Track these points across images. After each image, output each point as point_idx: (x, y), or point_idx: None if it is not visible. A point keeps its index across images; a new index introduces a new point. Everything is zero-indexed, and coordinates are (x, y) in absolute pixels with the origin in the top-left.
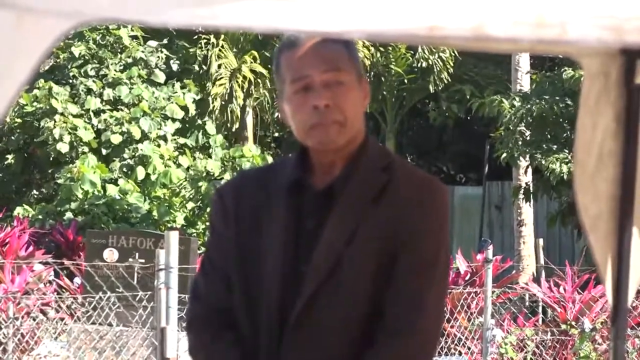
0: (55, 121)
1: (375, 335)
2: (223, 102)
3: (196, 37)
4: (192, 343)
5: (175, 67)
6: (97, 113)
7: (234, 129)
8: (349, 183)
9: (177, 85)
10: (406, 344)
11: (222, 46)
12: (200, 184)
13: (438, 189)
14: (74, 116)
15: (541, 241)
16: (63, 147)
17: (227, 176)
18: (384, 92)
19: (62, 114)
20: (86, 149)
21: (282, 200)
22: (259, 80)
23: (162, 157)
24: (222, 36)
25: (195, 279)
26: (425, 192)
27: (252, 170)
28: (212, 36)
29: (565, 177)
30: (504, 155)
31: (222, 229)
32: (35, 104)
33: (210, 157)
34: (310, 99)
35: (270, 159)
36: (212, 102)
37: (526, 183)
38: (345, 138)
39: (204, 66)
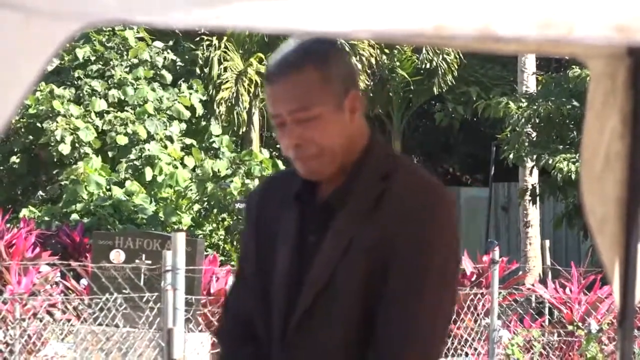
0: (57, 123)
1: (368, 350)
2: (229, 105)
3: (198, 39)
4: (220, 354)
5: (180, 68)
6: (101, 114)
7: (240, 132)
8: (348, 194)
9: (184, 86)
10: (399, 357)
11: (227, 48)
12: (206, 185)
13: (439, 197)
14: (76, 117)
15: (547, 242)
16: (65, 149)
17: (236, 178)
18: (390, 94)
19: (64, 115)
20: (89, 150)
21: (291, 211)
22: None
23: (169, 157)
24: (225, 38)
25: (229, 287)
26: (419, 201)
27: (276, 176)
28: (214, 38)
29: (572, 176)
30: (511, 155)
31: (246, 239)
32: (37, 106)
33: (218, 157)
34: (284, 137)
35: (279, 162)
36: (218, 107)
37: (532, 184)
38: (332, 165)
39: (205, 69)
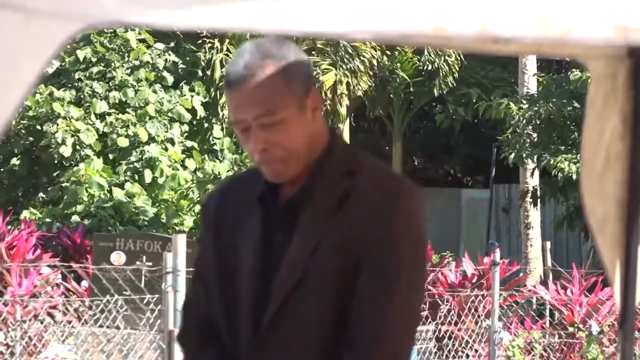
0: (57, 125)
1: (341, 349)
2: None
3: (200, 41)
4: (183, 356)
5: (182, 70)
6: (102, 116)
7: None
8: (312, 194)
9: (186, 88)
10: (367, 358)
11: (229, 51)
12: (207, 187)
13: (405, 192)
14: (77, 119)
15: (548, 244)
16: (66, 151)
17: None
18: (391, 96)
19: (64, 117)
20: (90, 152)
21: (254, 213)
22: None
23: (169, 159)
24: (227, 40)
25: (187, 291)
26: (385, 197)
27: (235, 178)
28: (216, 40)
29: (573, 177)
30: (512, 156)
31: (206, 241)
32: (38, 108)
33: (219, 159)
34: (249, 141)
35: None
36: (221, 111)
37: (533, 186)
38: (295, 171)
39: (207, 71)
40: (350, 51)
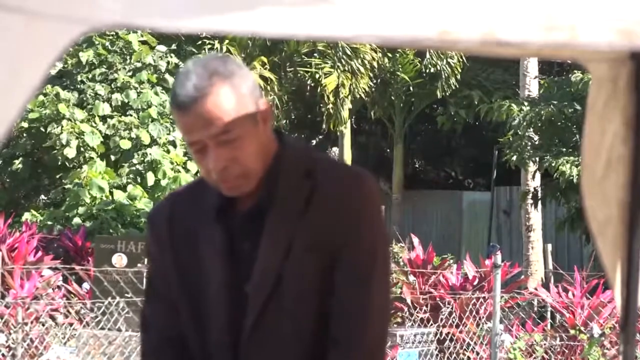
0: (62, 126)
1: (326, 347)
2: None
3: (200, 42)
4: None
5: None
6: (105, 118)
7: None
8: (273, 198)
9: None
10: (356, 352)
11: (230, 52)
12: None
13: (363, 183)
14: (81, 121)
15: (549, 246)
16: (70, 153)
17: None
18: (392, 98)
19: (69, 119)
20: (93, 155)
21: (211, 227)
22: (267, 86)
23: (171, 162)
24: (228, 41)
25: (142, 309)
26: (350, 189)
27: (181, 192)
28: (216, 41)
29: (574, 179)
30: (514, 158)
31: (158, 256)
32: (41, 109)
33: None
34: (207, 161)
35: None
36: None
37: (534, 188)
38: (253, 183)
39: None
40: (349, 52)
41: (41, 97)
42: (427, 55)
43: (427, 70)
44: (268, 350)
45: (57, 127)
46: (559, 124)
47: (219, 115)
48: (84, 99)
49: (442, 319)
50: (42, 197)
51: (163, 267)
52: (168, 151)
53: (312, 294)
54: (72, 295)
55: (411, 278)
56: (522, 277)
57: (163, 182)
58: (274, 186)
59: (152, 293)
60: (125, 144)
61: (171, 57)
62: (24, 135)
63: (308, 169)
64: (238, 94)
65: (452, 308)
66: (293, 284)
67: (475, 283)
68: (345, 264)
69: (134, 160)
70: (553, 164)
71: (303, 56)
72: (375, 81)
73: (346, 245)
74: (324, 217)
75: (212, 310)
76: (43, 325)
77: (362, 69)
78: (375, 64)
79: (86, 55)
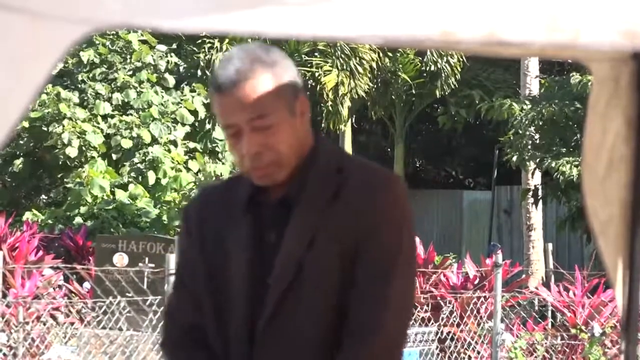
0: (63, 126)
1: (341, 337)
2: None
3: (200, 41)
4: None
5: (183, 71)
6: (106, 117)
7: None
8: (302, 191)
9: (187, 89)
10: (370, 343)
11: (229, 50)
12: None
13: (393, 183)
14: (83, 121)
15: (550, 245)
16: (72, 152)
17: None
18: (393, 97)
19: (70, 118)
20: (95, 154)
21: (242, 217)
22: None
23: (173, 161)
24: (227, 40)
25: (168, 298)
26: (378, 187)
27: (213, 187)
28: (216, 40)
29: (574, 179)
30: (514, 158)
31: (188, 248)
32: (43, 108)
33: (220, 161)
34: (241, 146)
35: None
36: None
37: (535, 187)
38: (285, 173)
39: (207, 71)
40: (348, 52)
41: (42, 97)
42: (427, 54)
43: (428, 70)
44: (284, 341)
45: (58, 126)
46: (560, 123)
47: (256, 99)
48: (85, 98)
49: (443, 318)
50: (43, 196)
51: (192, 260)
52: (169, 150)
53: (331, 286)
54: (73, 294)
55: None
56: (523, 276)
57: (164, 181)
58: (305, 179)
59: (178, 284)
60: (127, 143)
61: (171, 56)
62: (25, 134)
63: (339, 167)
64: (278, 82)
65: (453, 307)
66: (313, 275)
67: (476, 282)
68: (365, 258)
69: (135, 160)
70: (553, 164)
71: (303, 55)
72: (375, 80)
73: (368, 240)
74: (349, 211)
75: (233, 305)
76: (44, 324)
77: (360, 69)
78: (374, 64)
79: (87, 55)
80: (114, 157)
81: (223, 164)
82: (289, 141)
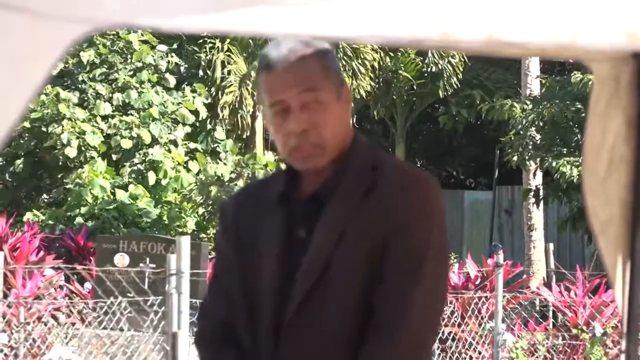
0: (63, 126)
1: (366, 333)
2: (233, 108)
3: (201, 40)
4: (200, 358)
5: (184, 71)
6: (106, 118)
7: (244, 136)
8: (336, 188)
9: (188, 89)
10: (396, 340)
11: (230, 51)
12: (210, 188)
13: (425, 182)
14: (82, 121)
15: (551, 246)
16: (71, 152)
17: (240, 182)
18: (394, 97)
19: (69, 119)
20: (95, 154)
21: (274, 214)
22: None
23: (173, 161)
24: (229, 40)
25: (205, 294)
26: (409, 185)
27: (251, 185)
28: (217, 40)
29: (575, 180)
30: (515, 158)
31: (224, 245)
32: (42, 109)
33: (221, 161)
34: (288, 124)
35: (283, 166)
36: (221, 112)
37: (536, 187)
38: (327, 159)
39: (208, 71)
40: (350, 53)
41: (42, 97)
42: (429, 55)
43: (429, 70)
44: (309, 337)
45: (58, 126)
46: (561, 123)
47: (307, 74)
48: (85, 98)
49: (444, 318)
50: (44, 196)
51: (225, 257)
52: (169, 150)
53: (358, 283)
54: (74, 294)
55: None
56: (524, 276)
57: (164, 182)
58: (341, 175)
59: (213, 280)
60: (127, 144)
61: (172, 56)
62: (26, 135)
63: (374, 165)
64: (327, 64)
65: (454, 307)
66: (341, 272)
67: (477, 282)
68: (394, 255)
69: (135, 160)
70: (553, 165)
71: None
72: (377, 80)
73: (397, 238)
74: (379, 208)
75: (262, 302)
76: (45, 325)
77: (362, 69)
78: (376, 64)
79: (87, 55)
80: (114, 157)
81: (224, 164)
82: (334, 125)
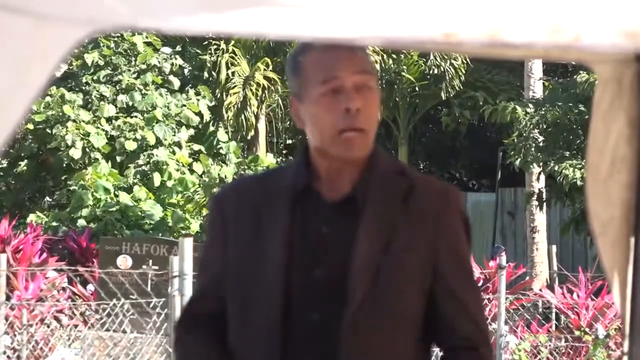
0: (67, 128)
1: (445, 348)
2: (237, 109)
3: (206, 42)
4: (176, 339)
5: (187, 73)
6: (110, 119)
7: (249, 137)
8: (370, 191)
9: (192, 92)
10: (482, 356)
11: (235, 53)
12: (213, 190)
13: (458, 195)
14: (86, 123)
15: (554, 248)
16: (75, 154)
17: None
18: (397, 99)
19: (74, 120)
20: (99, 156)
21: (285, 205)
22: (272, 87)
23: (177, 163)
24: (233, 42)
25: (195, 281)
26: (447, 200)
27: (250, 177)
28: (222, 42)
29: (578, 182)
30: (518, 161)
31: (218, 233)
32: (47, 110)
33: (225, 163)
34: (341, 102)
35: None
36: (226, 112)
37: (539, 189)
38: (367, 150)
39: (213, 73)
40: None
41: (46, 99)
42: (431, 56)
43: (432, 72)
44: (367, 341)
45: (62, 128)
46: (565, 126)
47: (362, 57)
48: (89, 100)
49: None
50: (47, 198)
51: (218, 244)
52: (174, 152)
53: (410, 295)
54: (77, 296)
55: None
56: (527, 278)
57: (169, 183)
58: (370, 178)
59: (201, 272)
60: (131, 145)
61: (175, 58)
62: (29, 137)
63: (399, 169)
64: (369, 57)
65: None
66: (392, 280)
67: (480, 284)
68: (451, 268)
69: (140, 162)
70: (556, 168)
71: None
72: (380, 82)
73: (446, 253)
74: (422, 222)
75: (264, 293)
76: (48, 327)
77: None
78: (378, 66)
79: (91, 57)
80: (119, 159)
81: (227, 166)
82: (376, 115)
